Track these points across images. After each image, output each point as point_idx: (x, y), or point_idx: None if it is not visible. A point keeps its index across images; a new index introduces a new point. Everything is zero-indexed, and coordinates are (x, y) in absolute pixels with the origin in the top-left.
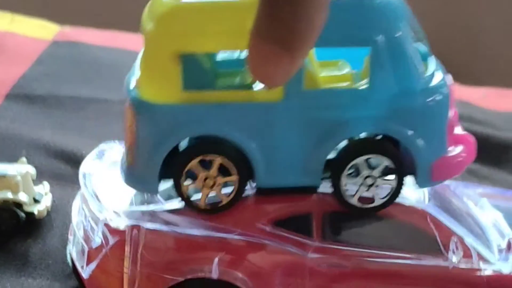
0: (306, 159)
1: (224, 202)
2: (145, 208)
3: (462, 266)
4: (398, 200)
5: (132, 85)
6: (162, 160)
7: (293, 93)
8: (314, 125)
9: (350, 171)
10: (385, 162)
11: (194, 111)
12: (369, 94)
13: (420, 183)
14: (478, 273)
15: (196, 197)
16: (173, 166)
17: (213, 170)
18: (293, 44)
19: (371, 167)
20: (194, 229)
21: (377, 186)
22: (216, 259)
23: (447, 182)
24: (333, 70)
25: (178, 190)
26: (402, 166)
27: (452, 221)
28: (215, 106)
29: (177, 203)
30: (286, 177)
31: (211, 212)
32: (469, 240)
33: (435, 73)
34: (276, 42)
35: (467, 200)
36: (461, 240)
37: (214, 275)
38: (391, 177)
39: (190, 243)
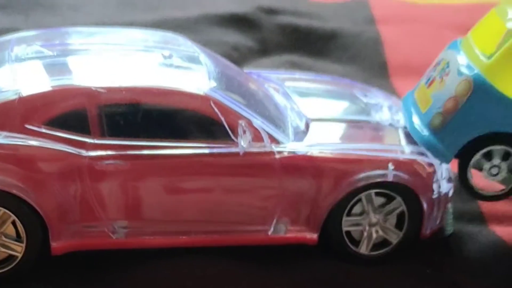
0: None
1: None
2: None
3: (254, 150)
4: (178, 87)
5: (470, 63)
6: (470, 139)
7: None
8: None
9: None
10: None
11: None
12: None
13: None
14: (271, 156)
15: None
16: (470, 147)
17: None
18: None
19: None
20: None
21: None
22: None
23: (248, 70)
24: None
25: (463, 169)
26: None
27: (239, 105)
28: None
29: None
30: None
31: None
32: (258, 122)
33: None
34: None
35: (268, 85)
36: (249, 123)
37: None
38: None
39: None
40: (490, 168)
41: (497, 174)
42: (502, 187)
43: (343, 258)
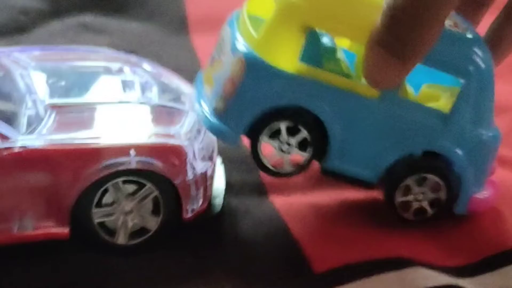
0: (375, 156)
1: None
2: None
3: None
4: None
5: (241, 40)
6: (252, 118)
7: (389, 96)
8: (394, 129)
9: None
10: (436, 179)
11: (302, 83)
12: (448, 118)
13: (458, 208)
14: None
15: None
16: (256, 125)
17: (283, 136)
18: (408, 56)
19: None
20: None
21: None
22: None
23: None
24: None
25: (254, 148)
26: (450, 192)
27: None
28: (320, 84)
29: None
30: (352, 166)
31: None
32: None
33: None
34: (393, 51)
35: (15, 65)
36: None
37: None
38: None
39: None
40: (280, 145)
41: (288, 151)
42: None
43: (100, 250)
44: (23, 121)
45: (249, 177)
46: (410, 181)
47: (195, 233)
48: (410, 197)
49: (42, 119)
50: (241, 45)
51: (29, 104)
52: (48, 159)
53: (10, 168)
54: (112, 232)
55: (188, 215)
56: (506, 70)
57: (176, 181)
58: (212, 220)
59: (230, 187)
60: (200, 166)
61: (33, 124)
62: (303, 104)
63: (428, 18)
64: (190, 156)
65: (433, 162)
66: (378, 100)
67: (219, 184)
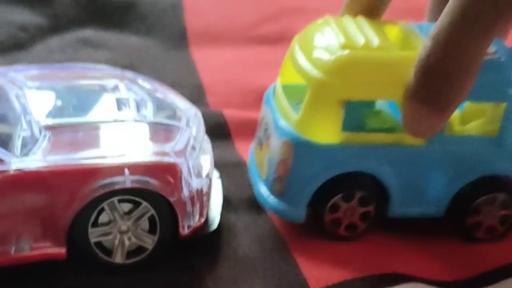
0: (437, 194)
1: (361, 228)
2: None
3: None
4: None
5: (283, 123)
6: (310, 194)
7: (436, 139)
8: (450, 164)
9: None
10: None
11: (349, 150)
12: (498, 141)
13: None
14: None
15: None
16: (319, 200)
17: (354, 202)
18: (444, 107)
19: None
20: None
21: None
22: None
23: None
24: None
25: (320, 221)
26: None
27: None
28: (368, 147)
29: None
30: (417, 209)
31: (351, 238)
32: None
33: None
34: (430, 105)
35: (10, 85)
36: None
37: None
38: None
39: None
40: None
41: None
42: None
43: (97, 270)
44: (18, 143)
45: (247, 192)
46: (478, 203)
47: (192, 250)
48: (480, 217)
49: (37, 140)
50: (285, 128)
51: (24, 125)
52: (43, 180)
53: (5, 191)
54: (109, 252)
55: (185, 231)
56: None
57: (172, 199)
58: (210, 237)
59: (228, 203)
60: (196, 183)
61: (28, 145)
62: (355, 169)
63: (460, 73)
64: (185, 173)
65: (497, 182)
66: (426, 146)
67: (216, 200)
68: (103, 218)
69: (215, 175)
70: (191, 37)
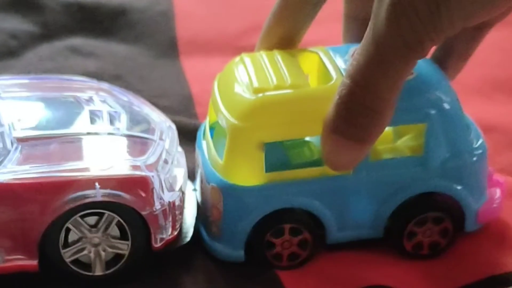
0: (370, 217)
1: (303, 257)
2: None
3: None
4: None
5: (210, 169)
6: (245, 235)
7: (362, 167)
8: (378, 189)
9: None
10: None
11: (275, 189)
12: (424, 160)
13: (468, 227)
14: None
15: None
16: (255, 240)
17: (286, 235)
18: (366, 138)
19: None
20: None
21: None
22: None
23: None
24: None
25: (262, 257)
26: (454, 217)
27: None
28: (294, 183)
29: None
30: (354, 232)
31: (294, 267)
32: None
33: (475, 133)
34: (350, 138)
35: None
36: None
37: None
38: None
39: None
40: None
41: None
42: None
43: (75, 282)
44: None
45: None
46: (411, 225)
47: (167, 262)
48: (419, 237)
49: (8, 153)
50: (212, 174)
51: None
52: (13, 193)
53: None
54: (87, 266)
55: (158, 244)
56: (489, 87)
57: (144, 212)
58: (184, 249)
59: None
60: (168, 196)
61: (0, 157)
62: (283, 206)
63: (380, 107)
64: (156, 186)
65: (427, 201)
66: (352, 174)
67: (190, 212)
68: (72, 236)
69: (190, 187)
70: (181, 46)
